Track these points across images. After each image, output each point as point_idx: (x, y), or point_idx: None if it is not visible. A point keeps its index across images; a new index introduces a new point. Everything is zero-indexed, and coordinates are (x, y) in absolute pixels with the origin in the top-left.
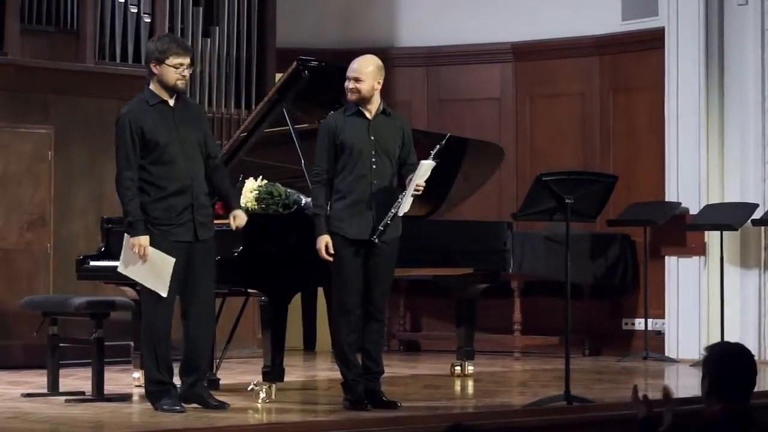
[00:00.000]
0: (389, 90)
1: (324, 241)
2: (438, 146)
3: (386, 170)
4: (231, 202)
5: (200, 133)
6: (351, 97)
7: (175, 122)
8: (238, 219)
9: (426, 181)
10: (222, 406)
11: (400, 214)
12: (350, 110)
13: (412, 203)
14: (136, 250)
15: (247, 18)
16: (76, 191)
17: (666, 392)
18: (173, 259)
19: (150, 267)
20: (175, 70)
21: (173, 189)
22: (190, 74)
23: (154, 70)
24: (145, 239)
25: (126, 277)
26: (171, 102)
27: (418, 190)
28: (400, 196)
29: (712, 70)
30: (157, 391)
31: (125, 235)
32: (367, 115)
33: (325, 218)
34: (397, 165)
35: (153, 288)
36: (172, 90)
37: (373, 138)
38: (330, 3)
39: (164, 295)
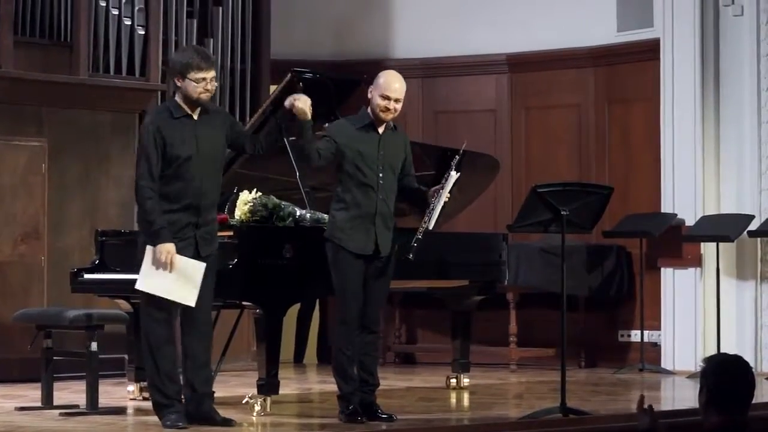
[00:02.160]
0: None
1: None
2: (458, 156)
3: (391, 185)
4: (281, 112)
5: (221, 144)
6: (385, 117)
7: (196, 137)
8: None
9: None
10: (228, 423)
11: (430, 227)
12: (361, 122)
13: (407, 215)
14: (164, 258)
15: (242, 29)
16: (70, 204)
17: (641, 402)
18: (203, 264)
19: (177, 276)
20: (197, 84)
21: (182, 204)
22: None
23: (178, 83)
24: (172, 246)
25: (120, 290)
26: (195, 115)
27: (445, 202)
28: (428, 210)
29: (708, 81)
30: (161, 404)
31: (147, 247)
32: (379, 129)
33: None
34: (398, 177)
35: (180, 300)
36: (196, 103)
37: (382, 153)
38: (324, 14)
39: (192, 305)
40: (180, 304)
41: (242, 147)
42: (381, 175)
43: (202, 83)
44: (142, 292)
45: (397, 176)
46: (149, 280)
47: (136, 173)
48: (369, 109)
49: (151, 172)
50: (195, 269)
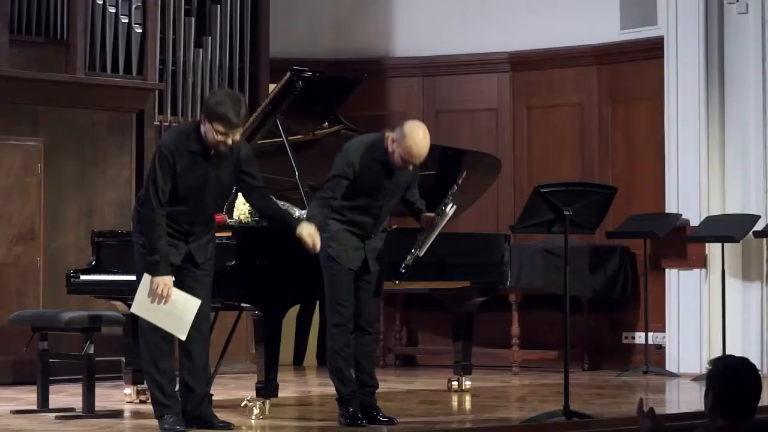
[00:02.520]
0: (384, 101)
1: (314, 229)
2: (456, 186)
3: (389, 210)
4: (289, 225)
5: (229, 182)
6: (400, 170)
7: (206, 175)
8: (307, 237)
9: (421, 193)
10: (227, 427)
11: (420, 255)
12: (377, 154)
13: (406, 216)
14: (160, 290)
15: (240, 28)
16: (67, 204)
17: (641, 406)
18: (199, 301)
19: (171, 309)
20: (218, 135)
21: (175, 228)
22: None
23: (202, 122)
24: (169, 279)
25: (117, 292)
26: (212, 152)
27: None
28: (420, 237)
29: (712, 80)
30: (161, 404)
31: (145, 275)
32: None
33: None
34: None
35: (171, 331)
36: (211, 146)
37: (390, 183)
38: (324, 12)
39: (183, 338)
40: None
41: (245, 192)
42: (383, 203)
43: (223, 137)
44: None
45: (399, 199)
46: (143, 306)
47: (144, 194)
48: (389, 150)
49: (159, 197)
50: (189, 305)
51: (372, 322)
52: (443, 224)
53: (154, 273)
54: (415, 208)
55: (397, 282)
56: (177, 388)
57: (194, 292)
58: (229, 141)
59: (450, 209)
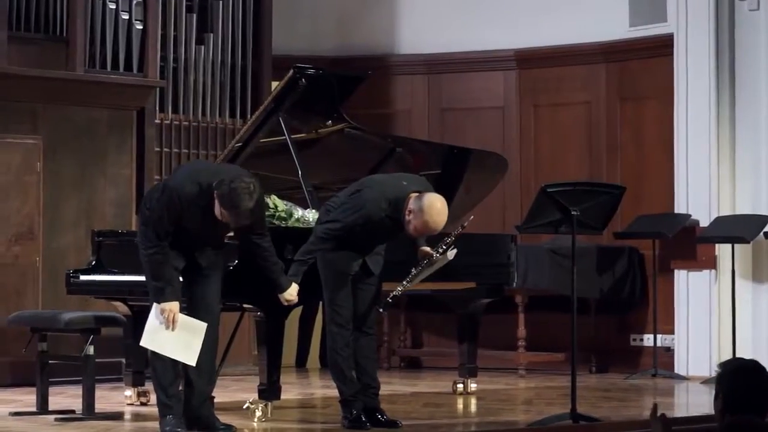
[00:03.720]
0: (388, 99)
1: (295, 290)
2: (453, 236)
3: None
4: (278, 282)
5: (229, 229)
6: (413, 236)
7: (212, 226)
8: (288, 296)
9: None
10: (229, 430)
11: (408, 287)
12: (394, 213)
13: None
14: (166, 315)
15: (242, 24)
16: (66, 203)
17: (654, 410)
18: (205, 324)
19: (178, 335)
20: (226, 217)
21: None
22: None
23: (216, 197)
24: (175, 305)
25: (117, 292)
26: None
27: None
28: (414, 271)
29: (723, 78)
30: (165, 404)
31: (153, 306)
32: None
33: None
34: None
35: (182, 360)
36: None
37: (395, 236)
38: (327, 9)
39: (193, 364)
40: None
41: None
42: (385, 240)
43: (230, 221)
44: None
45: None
46: (153, 336)
47: (144, 233)
48: (404, 219)
49: (159, 235)
50: (195, 329)
51: (372, 324)
52: (440, 266)
53: (160, 299)
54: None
55: (381, 311)
56: (180, 388)
57: (202, 288)
58: (234, 225)
59: (451, 253)
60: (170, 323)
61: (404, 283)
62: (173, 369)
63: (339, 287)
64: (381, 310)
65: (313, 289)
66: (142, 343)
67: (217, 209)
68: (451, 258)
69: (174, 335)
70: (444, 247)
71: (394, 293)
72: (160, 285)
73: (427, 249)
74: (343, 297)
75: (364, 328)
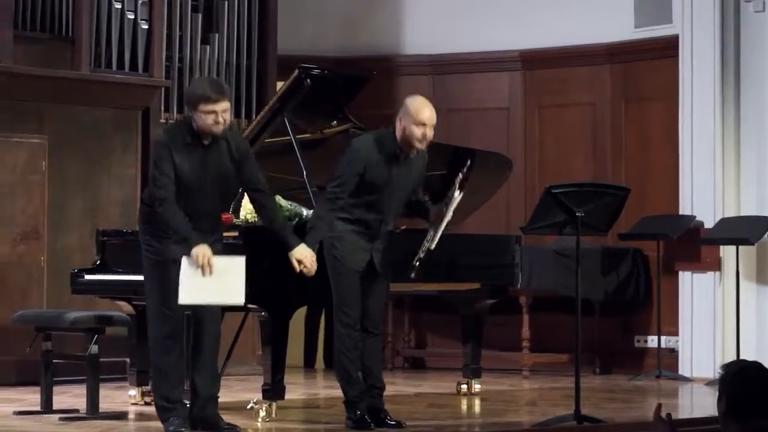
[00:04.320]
0: (393, 99)
1: (310, 255)
2: (461, 174)
3: (399, 207)
4: (286, 242)
5: (230, 172)
6: (420, 146)
7: (204, 164)
8: (304, 259)
9: (431, 194)
10: (233, 430)
11: (432, 248)
12: (386, 148)
13: (415, 217)
14: (201, 260)
15: (248, 24)
16: (71, 203)
17: (658, 410)
18: (243, 257)
19: (218, 278)
20: (207, 116)
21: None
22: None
23: (191, 114)
24: (206, 248)
25: (122, 292)
26: (206, 141)
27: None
28: (431, 231)
29: (728, 79)
30: (164, 407)
31: (183, 259)
32: (401, 156)
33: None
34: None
35: (229, 302)
36: (208, 134)
37: (400, 177)
38: (332, 9)
39: (242, 302)
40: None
41: (250, 198)
42: (392, 198)
43: (212, 116)
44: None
45: (406, 199)
46: (191, 291)
47: (151, 191)
48: (398, 135)
49: (165, 184)
50: (234, 265)
51: (378, 324)
52: (452, 210)
53: (191, 245)
54: (424, 208)
55: (412, 276)
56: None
57: None
58: (220, 118)
59: (458, 194)
60: (207, 267)
61: (425, 243)
62: (176, 375)
63: (346, 287)
64: (412, 275)
65: (318, 288)
66: (180, 302)
67: (199, 120)
68: (459, 198)
69: (213, 280)
70: (450, 195)
71: (419, 256)
72: (185, 233)
73: (437, 209)
74: (350, 297)
75: (371, 329)
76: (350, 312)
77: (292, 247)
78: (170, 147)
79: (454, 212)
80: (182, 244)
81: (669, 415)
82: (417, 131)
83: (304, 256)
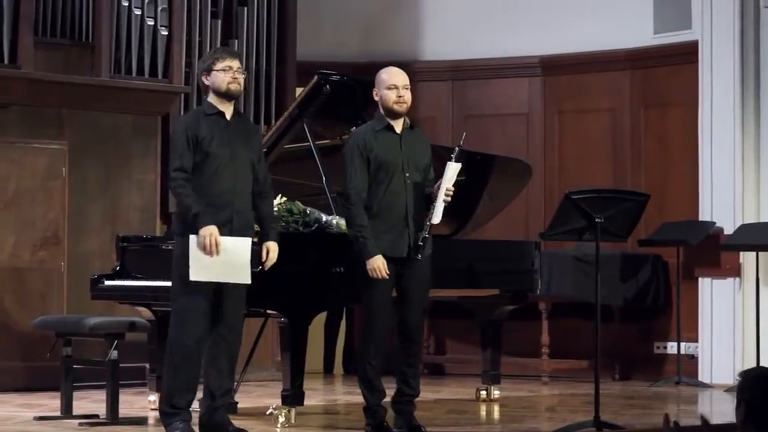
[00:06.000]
0: (412, 105)
1: (379, 261)
2: (458, 147)
3: (419, 185)
4: (267, 231)
5: (252, 151)
6: (400, 108)
7: (229, 136)
8: (271, 252)
9: (451, 200)
10: None
11: (435, 222)
12: (379, 125)
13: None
14: (208, 240)
15: (267, 30)
16: (91, 208)
17: (704, 420)
18: (249, 239)
19: (225, 258)
20: (225, 73)
21: (213, 201)
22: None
23: (206, 82)
24: (214, 228)
25: (142, 297)
26: (228, 115)
27: (448, 195)
28: (431, 206)
29: (748, 85)
30: (169, 413)
31: (190, 238)
32: (396, 129)
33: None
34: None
35: (237, 281)
36: (226, 95)
37: (405, 152)
38: (351, 15)
39: (248, 282)
40: (234, 284)
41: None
42: (407, 175)
43: (230, 72)
44: (181, 290)
45: (423, 176)
46: (200, 269)
47: (170, 166)
48: (381, 110)
49: (183, 163)
50: (241, 246)
51: (417, 330)
52: (447, 182)
53: (198, 226)
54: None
55: (419, 257)
56: (192, 398)
57: (232, 298)
58: (238, 75)
59: (453, 165)
60: (213, 248)
61: (428, 220)
62: (186, 383)
63: (378, 294)
64: (418, 257)
65: (337, 294)
66: (192, 278)
67: (217, 80)
68: (457, 167)
69: (221, 260)
70: (447, 164)
71: (423, 233)
72: (195, 211)
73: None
74: (381, 303)
75: (410, 334)
76: (378, 317)
77: (269, 239)
78: (187, 125)
79: (476, 213)
80: (191, 223)
81: (676, 423)
82: (391, 94)
83: (274, 250)
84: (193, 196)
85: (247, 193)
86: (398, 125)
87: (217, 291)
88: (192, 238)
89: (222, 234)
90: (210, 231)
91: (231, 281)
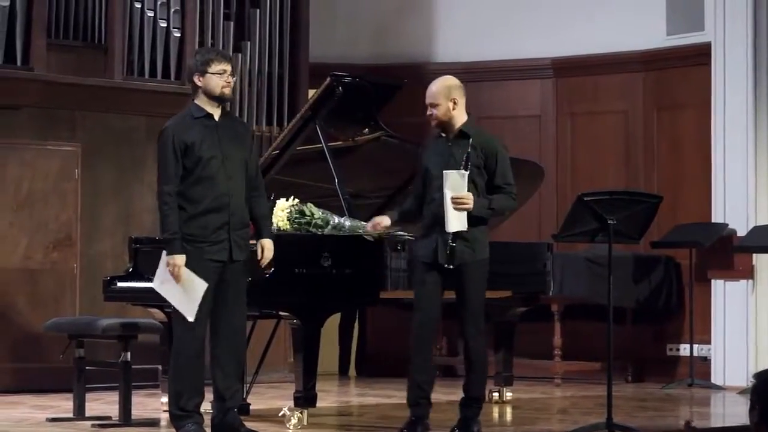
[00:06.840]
0: (425, 107)
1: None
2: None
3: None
4: (262, 230)
5: (244, 151)
6: (433, 123)
7: (219, 137)
8: (266, 250)
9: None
10: None
11: (449, 230)
12: (434, 133)
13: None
14: (171, 269)
15: (279, 32)
16: (104, 210)
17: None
18: (205, 284)
19: (182, 289)
20: (219, 76)
21: (209, 206)
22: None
23: (198, 83)
24: (180, 258)
25: (155, 299)
26: (216, 116)
27: (457, 203)
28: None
29: (761, 86)
30: (180, 415)
31: (163, 251)
32: (445, 136)
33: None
34: (485, 187)
35: (181, 310)
36: (218, 99)
37: (448, 160)
38: (364, 17)
39: (190, 319)
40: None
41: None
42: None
43: (224, 76)
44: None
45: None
46: (160, 282)
47: (157, 180)
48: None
49: (169, 175)
50: (196, 287)
51: (477, 325)
52: (447, 190)
53: (168, 251)
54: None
55: (450, 267)
56: (201, 401)
57: (233, 299)
58: (231, 80)
59: (451, 174)
60: (174, 277)
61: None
62: (191, 385)
63: (419, 295)
64: (450, 266)
65: (350, 296)
66: (153, 285)
67: (210, 83)
68: (461, 173)
69: (178, 288)
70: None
71: (449, 244)
72: (168, 236)
73: None
74: (418, 304)
75: (469, 332)
76: (419, 315)
77: (263, 236)
78: (174, 131)
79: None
80: (166, 243)
81: (688, 422)
82: (435, 118)
83: (269, 248)
84: (174, 217)
85: (241, 193)
86: (449, 132)
87: (218, 292)
88: (163, 254)
89: (221, 234)
90: (176, 261)
91: (177, 308)
